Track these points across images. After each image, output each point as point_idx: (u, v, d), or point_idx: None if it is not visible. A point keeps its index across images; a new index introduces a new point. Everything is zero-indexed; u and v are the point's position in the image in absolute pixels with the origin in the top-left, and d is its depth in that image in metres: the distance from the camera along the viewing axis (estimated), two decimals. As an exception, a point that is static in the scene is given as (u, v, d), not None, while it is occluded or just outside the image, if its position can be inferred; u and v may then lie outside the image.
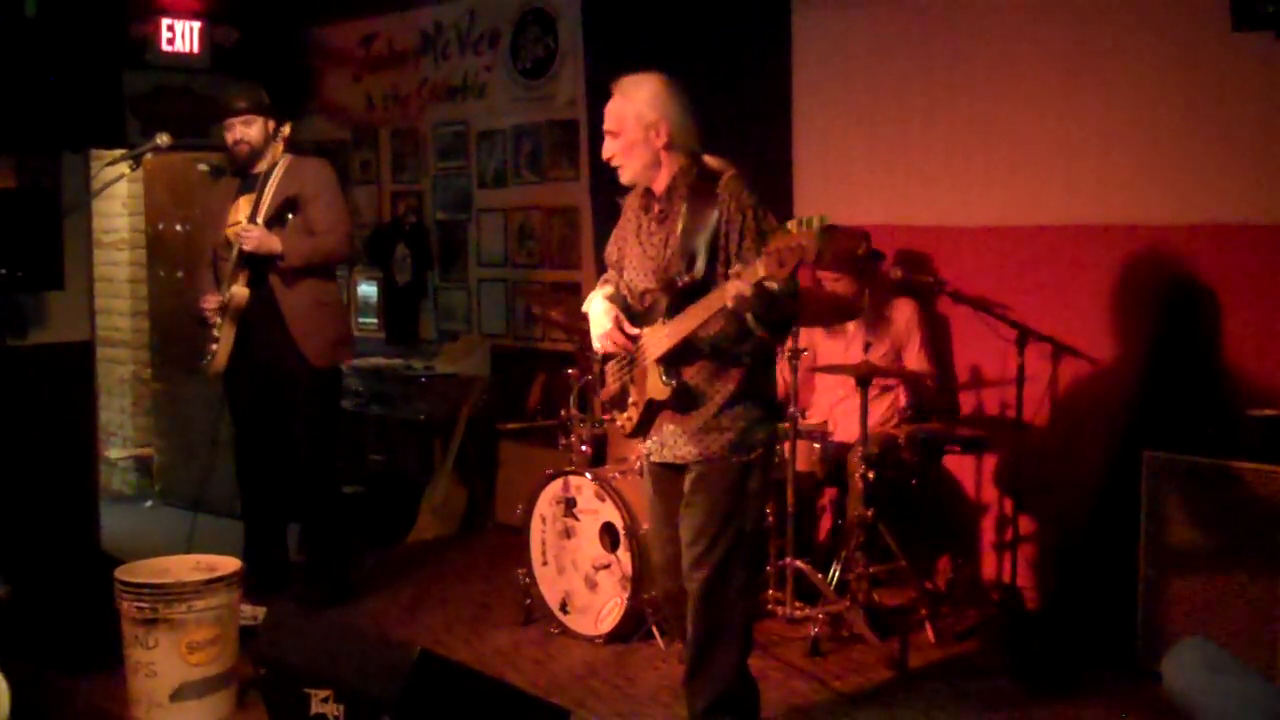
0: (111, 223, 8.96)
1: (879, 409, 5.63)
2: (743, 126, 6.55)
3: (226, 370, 5.67)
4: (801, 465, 5.28)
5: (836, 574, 5.39)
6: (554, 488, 5.50)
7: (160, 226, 8.51)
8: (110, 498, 8.43)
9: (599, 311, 4.04)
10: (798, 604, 5.26)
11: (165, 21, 7.92)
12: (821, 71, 6.25)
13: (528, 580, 5.57)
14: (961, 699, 4.72)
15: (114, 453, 9.00)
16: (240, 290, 5.56)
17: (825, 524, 6.04)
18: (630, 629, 5.30)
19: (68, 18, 7.07)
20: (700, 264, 3.79)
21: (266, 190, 5.59)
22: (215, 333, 5.63)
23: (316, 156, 6.11)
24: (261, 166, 5.68)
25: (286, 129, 5.73)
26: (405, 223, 8.48)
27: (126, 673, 4.58)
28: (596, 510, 5.35)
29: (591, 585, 5.37)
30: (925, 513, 5.72)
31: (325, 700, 3.57)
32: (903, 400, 5.75)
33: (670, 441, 3.99)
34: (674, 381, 3.86)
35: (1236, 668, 3.24)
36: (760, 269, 3.46)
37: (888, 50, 6.01)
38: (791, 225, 3.41)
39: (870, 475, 5.16)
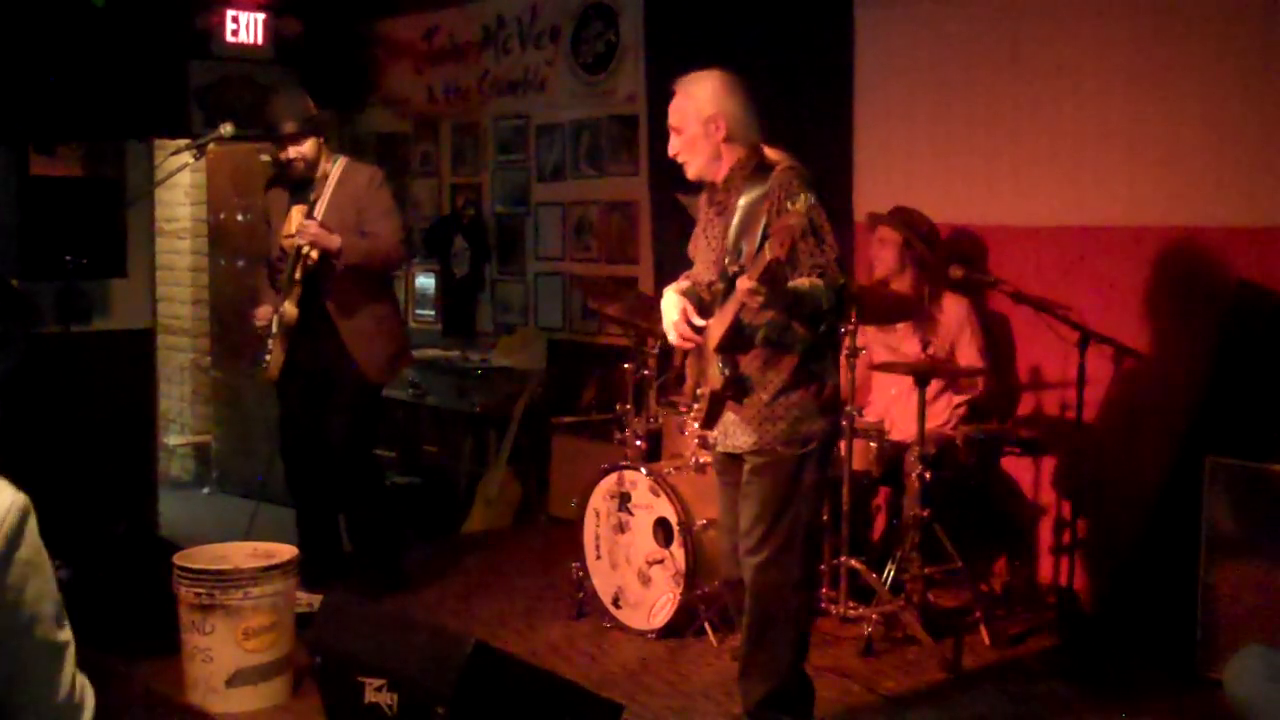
0: (174, 211, 9.06)
1: (934, 409, 5.59)
2: (804, 124, 6.52)
3: (290, 372, 5.71)
4: (857, 464, 5.25)
5: (891, 574, 5.36)
6: (609, 482, 5.50)
7: (222, 216, 8.60)
8: (168, 484, 8.52)
9: (669, 304, 4.06)
10: (851, 603, 5.24)
11: (230, 13, 8.00)
12: (883, 69, 6.22)
13: (581, 574, 5.58)
14: (1016, 702, 4.67)
15: (173, 439, 9.10)
16: (290, 309, 5.56)
17: (880, 523, 6.01)
18: (683, 624, 5.29)
19: (135, 9, 7.15)
20: (749, 253, 3.79)
21: (323, 195, 5.60)
22: (270, 343, 5.66)
23: (367, 162, 6.09)
24: (314, 172, 5.68)
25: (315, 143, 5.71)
26: (464, 215, 8.51)
27: (183, 658, 4.63)
28: (651, 505, 5.34)
29: (645, 580, 5.36)
30: (982, 514, 5.68)
31: (379, 689, 3.58)
32: (956, 399, 5.71)
33: (730, 431, 4.03)
34: (728, 371, 3.89)
35: (1301, 677, 3.19)
36: (766, 255, 3.51)
37: (950, 49, 5.96)
38: (789, 204, 3.53)
39: (927, 475, 5.13)
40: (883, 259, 5.73)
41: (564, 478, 7.36)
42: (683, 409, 4.85)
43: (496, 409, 7.60)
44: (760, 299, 3.62)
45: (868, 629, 5.12)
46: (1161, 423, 5.33)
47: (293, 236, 5.52)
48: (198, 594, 4.52)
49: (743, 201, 3.91)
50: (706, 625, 5.26)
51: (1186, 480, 4.84)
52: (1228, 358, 5.08)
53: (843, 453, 5.17)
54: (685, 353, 4.22)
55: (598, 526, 5.54)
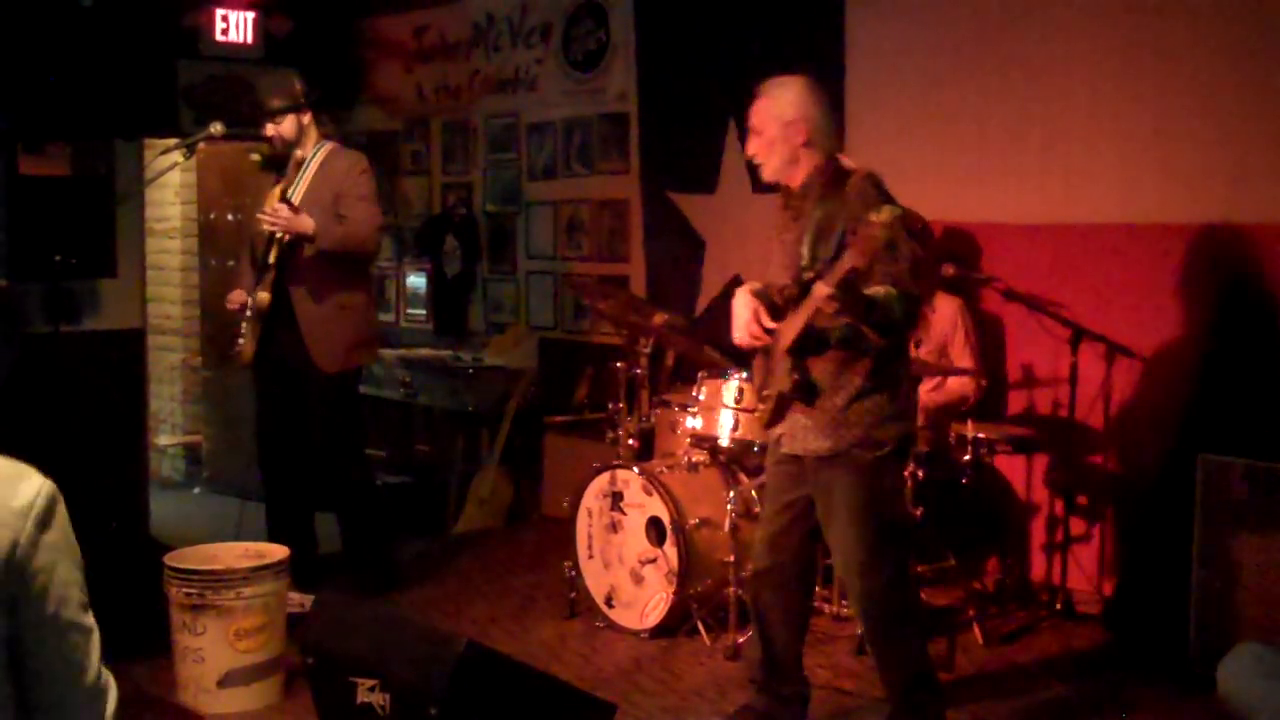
0: (164, 211, 9.02)
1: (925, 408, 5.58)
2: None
3: (255, 363, 5.68)
4: (850, 462, 5.24)
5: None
6: (601, 481, 5.49)
7: (212, 215, 8.57)
8: (159, 484, 8.50)
9: (740, 303, 4.09)
10: (844, 602, 5.23)
11: (219, 12, 7.96)
12: (874, 67, 6.21)
13: (573, 573, 5.57)
14: (1009, 701, 4.67)
15: (163, 439, 9.07)
16: (264, 295, 5.53)
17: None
18: (676, 623, 5.28)
19: (123, 7, 7.12)
20: (825, 259, 3.84)
21: (302, 176, 5.58)
22: (242, 327, 5.63)
23: (356, 149, 6.06)
24: (300, 155, 5.67)
25: (307, 118, 5.68)
26: (455, 214, 8.49)
27: (174, 658, 4.61)
28: (643, 504, 5.33)
29: (637, 579, 5.35)
30: (974, 512, 5.67)
31: (372, 690, 3.56)
32: (947, 398, 5.70)
33: (799, 434, 4.05)
34: (797, 375, 3.93)
35: (1294, 674, 3.19)
36: (846, 262, 3.57)
37: (941, 46, 5.96)
38: (871, 215, 3.51)
39: (920, 474, 5.12)
40: None
41: (556, 477, 7.35)
42: (750, 408, 4.81)
43: (488, 408, 7.59)
44: (836, 306, 3.68)
45: (861, 628, 5.10)
46: (1154, 420, 5.34)
47: (265, 215, 5.50)
48: (189, 594, 4.50)
49: (819, 208, 3.96)
50: (699, 624, 5.25)
51: (1179, 478, 4.84)
52: (1220, 355, 5.09)
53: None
54: (752, 350, 4.24)
55: (590, 526, 5.53)
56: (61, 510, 1.90)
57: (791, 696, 4.32)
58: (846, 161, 4.07)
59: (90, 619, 1.95)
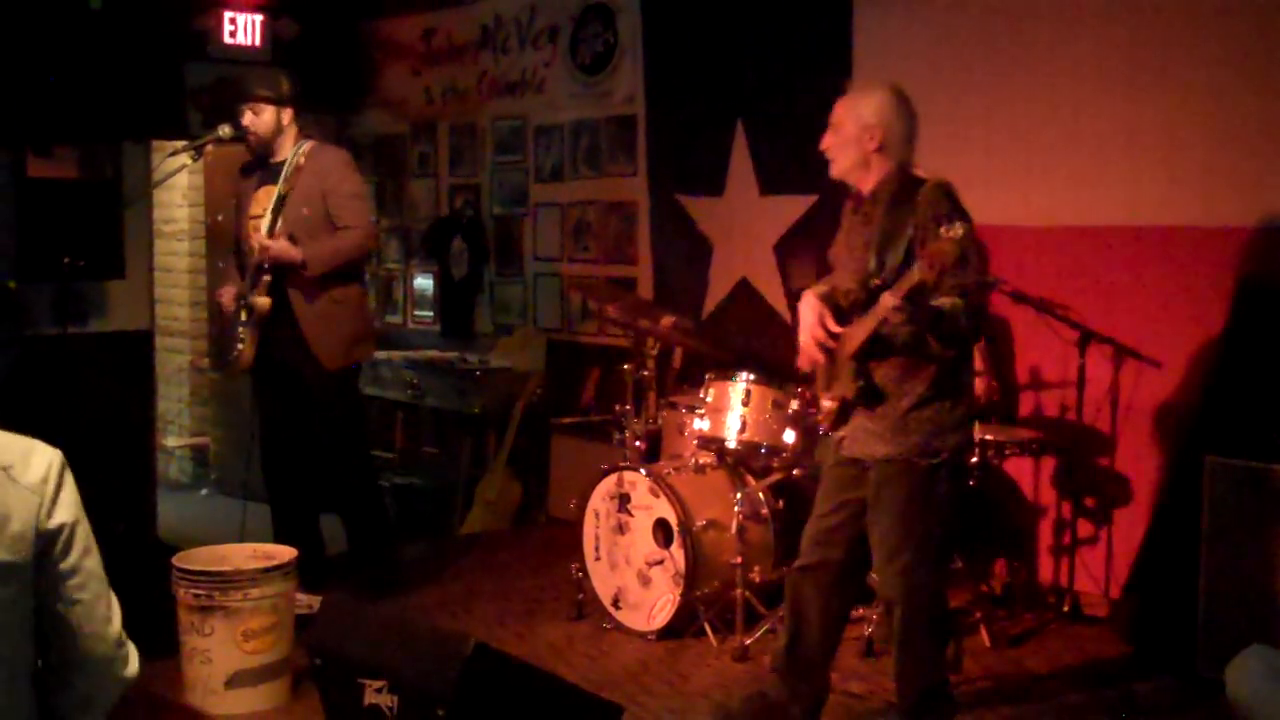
0: (171, 213, 9.05)
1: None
2: (802, 123, 6.50)
3: (255, 368, 5.67)
4: (857, 464, 5.24)
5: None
6: (608, 483, 5.49)
7: (220, 218, 8.59)
8: (167, 486, 8.51)
9: (807, 307, 4.14)
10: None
11: (227, 15, 7.98)
12: (882, 69, 6.19)
13: (580, 575, 5.57)
14: (1016, 704, 4.66)
15: (171, 441, 9.09)
16: (262, 300, 5.51)
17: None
18: (683, 625, 5.28)
19: (131, 10, 7.13)
20: (892, 267, 3.88)
21: (285, 176, 5.52)
22: (241, 332, 5.61)
23: (337, 146, 6.03)
24: (279, 156, 5.64)
25: (287, 117, 5.66)
26: (462, 216, 8.50)
27: (182, 659, 4.62)
28: (650, 506, 5.33)
29: (644, 581, 5.35)
30: (982, 515, 5.66)
31: (379, 691, 3.57)
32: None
33: (861, 438, 4.06)
34: (861, 380, 3.97)
35: (1303, 677, 3.18)
36: (915, 275, 3.61)
37: (948, 50, 5.95)
38: (943, 230, 3.57)
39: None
40: None
41: (563, 479, 7.35)
42: (813, 411, 4.81)
43: (495, 410, 7.59)
44: (903, 316, 3.71)
45: (868, 630, 5.11)
46: (1162, 423, 5.33)
47: (259, 217, 5.49)
48: (197, 595, 4.50)
49: (888, 215, 3.98)
50: (706, 626, 5.25)
51: (1187, 480, 4.83)
52: (1229, 358, 5.08)
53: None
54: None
55: (597, 527, 5.53)
56: (70, 474, 2.06)
57: (807, 694, 4.31)
58: (919, 171, 4.09)
59: (105, 578, 2.11)
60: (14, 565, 1.96)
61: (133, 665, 2.13)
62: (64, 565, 2.02)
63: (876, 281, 3.91)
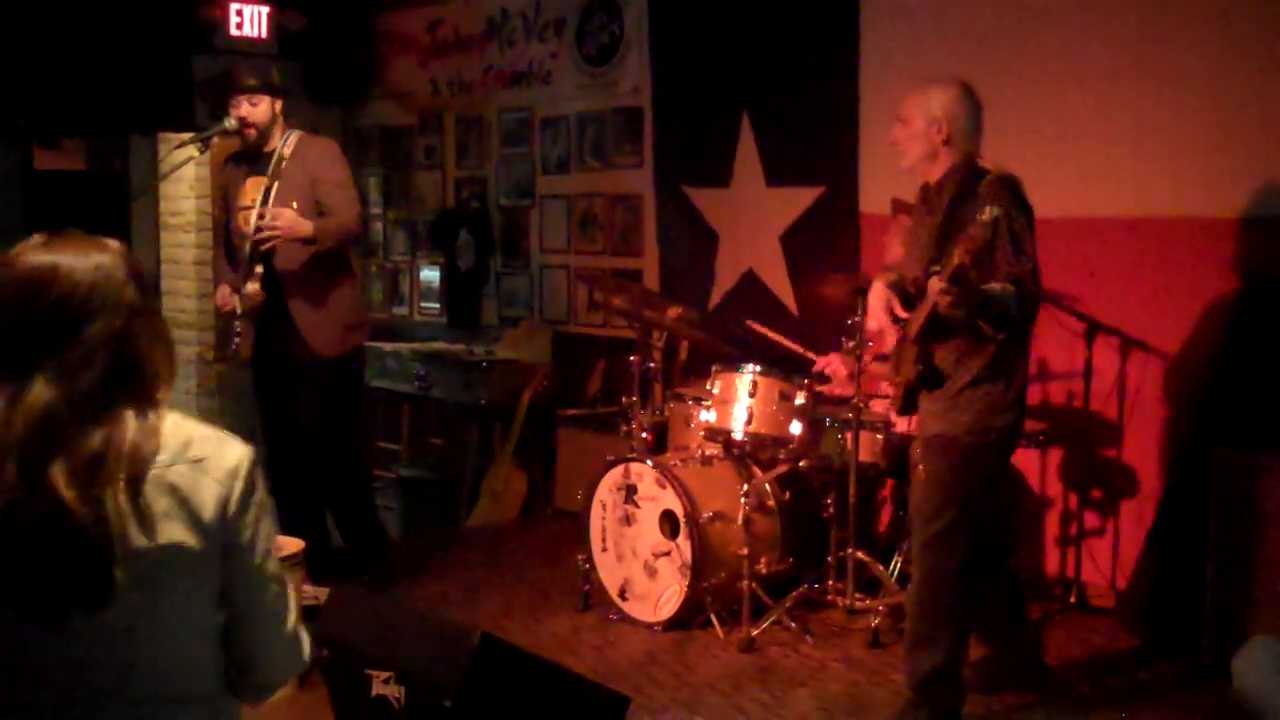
0: (178, 205, 9.04)
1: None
2: (809, 118, 6.53)
3: (253, 361, 5.67)
4: (864, 455, 5.24)
5: (898, 565, 5.35)
6: (615, 474, 5.50)
7: (216, 211, 8.59)
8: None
9: (875, 294, 4.29)
10: (858, 595, 5.24)
11: (234, 6, 8.00)
12: (889, 58, 6.21)
13: (587, 566, 5.57)
14: (1022, 694, 4.66)
15: (178, 433, 9.08)
16: (255, 290, 5.50)
17: (886, 515, 6.00)
18: (689, 616, 5.29)
19: (138, 3, 7.15)
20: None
21: (275, 167, 5.52)
22: (237, 325, 5.61)
23: (325, 137, 6.03)
24: (269, 145, 5.65)
25: (278, 106, 5.65)
26: (468, 208, 8.51)
27: (190, 651, 4.62)
28: (657, 497, 5.34)
29: (651, 572, 5.36)
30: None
31: (387, 682, 3.58)
32: None
33: (924, 419, 4.22)
34: (921, 364, 4.09)
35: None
36: (954, 259, 3.71)
37: (955, 43, 5.94)
38: (980, 214, 3.72)
39: (934, 467, 5.11)
40: (893, 248, 5.72)
41: (570, 470, 7.35)
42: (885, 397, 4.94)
43: (502, 402, 7.60)
44: (949, 299, 3.79)
45: (875, 620, 5.11)
46: (1169, 414, 5.32)
47: (249, 208, 5.49)
48: (204, 587, 4.50)
49: (952, 205, 4.11)
50: (713, 617, 5.25)
51: (1194, 471, 4.83)
52: (1235, 349, 5.07)
53: (849, 444, 5.17)
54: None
55: (604, 519, 5.54)
56: (260, 473, 2.09)
57: (1011, 641, 4.61)
58: (984, 162, 4.20)
59: (284, 575, 2.17)
60: (202, 553, 2.01)
61: (305, 654, 2.20)
62: (247, 561, 2.07)
63: (936, 268, 4.01)
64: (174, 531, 1.98)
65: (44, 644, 1.94)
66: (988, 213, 3.71)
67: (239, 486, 2.04)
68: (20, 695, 1.97)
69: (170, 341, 2.09)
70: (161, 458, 1.99)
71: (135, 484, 1.94)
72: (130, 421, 1.96)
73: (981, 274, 3.79)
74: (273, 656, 2.16)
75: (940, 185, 4.22)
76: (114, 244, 2.07)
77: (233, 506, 2.03)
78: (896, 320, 4.17)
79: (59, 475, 1.89)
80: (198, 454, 2.03)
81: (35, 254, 1.98)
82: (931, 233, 4.15)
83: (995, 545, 4.48)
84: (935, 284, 3.83)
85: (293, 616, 2.16)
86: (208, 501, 2.01)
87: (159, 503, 1.97)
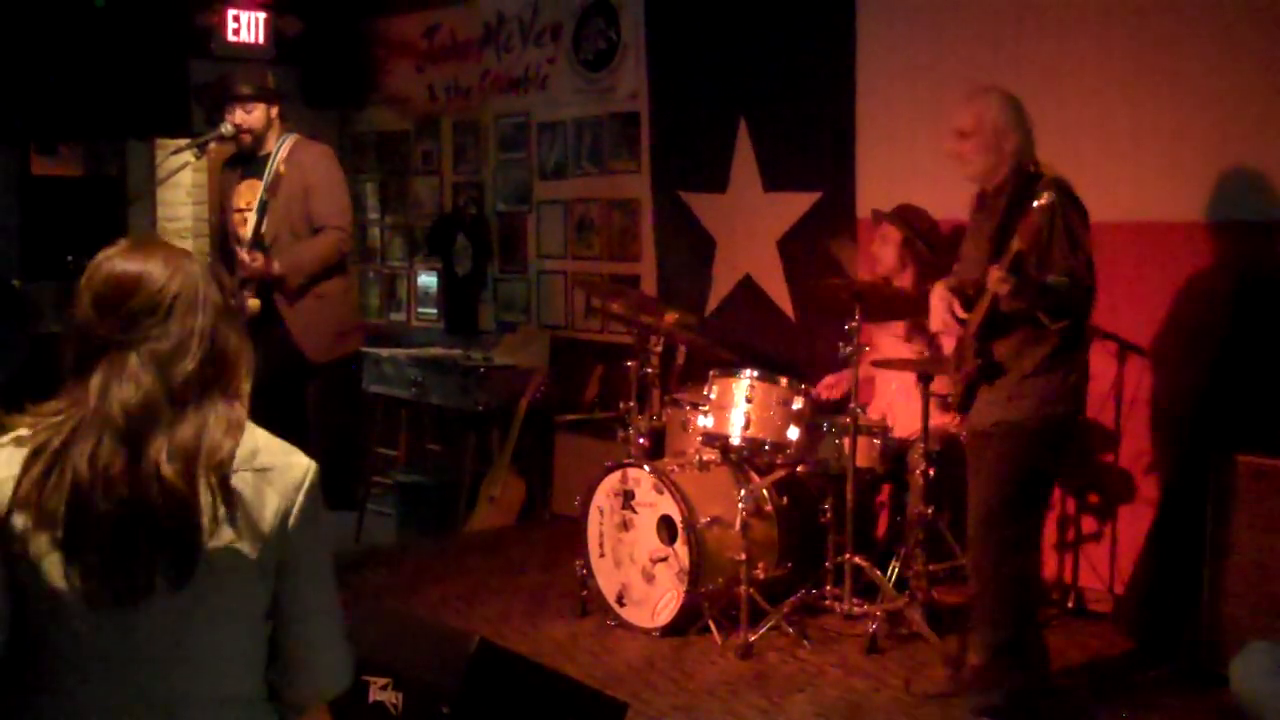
0: (175, 211, 9.03)
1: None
2: (805, 121, 6.53)
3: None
4: (861, 461, 5.25)
5: (895, 571, 5.36)
6: (612, 480, 5.50)
7: (208, 217, 8.59)
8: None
9: (937, 296, 4.50)
10: (856, 600, 5.23)
11: (231, 12, 7.99)
12: (886, 62, 6.21)
13: (585, 572, 5.57)
14: (1021, 699, 4.64)
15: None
16: (253, 302, 5.54)
17: (884, 520, 6.00)
18: (687, 622, 5.28)
19: (135, 8, 7.15)
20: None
21: (269, 171, 5.54)
22: None
23: (321, 142, 6.04)
24: (264, 149, 5.65)
25: (274, 111, 5.66)
26: (465, 214, 8.50)
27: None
28: (654, 503, 5.34)
29: (649, 578, 5.36)
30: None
31: (384, 688, 3.57)
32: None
33: (982, 409, 4.41)
34: (981, 358, 4.33)
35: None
36: (1012, 247, 3.95)
37: (952, 44, 5.95)
38: (1032, 202, 3.95)
39: (931, 472, 5.12)
40: (884, 257, 5.73)
41: (567, 476, 7.35)
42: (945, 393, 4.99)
43: (499, 407, 7.59)
44: (1008, 286, 4.03)
45: (872, 626, 5.11)
46: (1166, 419, 5.32)
47: (243, 211, 5.51)
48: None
49: (1009, 208, 4.27)
50: (710, 623, 5.25)
51: (1191, 476, 4.83)
52: (1232, 353, 5.07)
53: (847, 449, 5.17)
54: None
55: (601, 524, 5.54)
56: (320, 487, 2.12)
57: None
58: (1039, 167, 4.36)
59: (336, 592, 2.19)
60: (256, 562, 2.03)
61: (350, 670, 2.24)
62: (301, 574, 2.09)
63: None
64: (229, 535, 2.01)
65: (102, 631, 1.97)
66: (1044, 198, 3.92)
67: (301, 500, 2.07)
68: (65, 681, 2.00)
69: (250, 344, 2.14)
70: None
71: (223, 475, 2.00)
72: (220, 412, 2.04)
73: (1039, 266, 4.01)
74: (318, 668, 2.18)
75: (998, 190, 4.39)
76: (192, 252, 2.17)
77: (294, 520, 2.06)
78: (959, 321, 4.38)
79: (161, 453, 1.96)
80: (264, 463, 2.06)
81: (125, 258, 2.07)
82: (990, 236, 4.33)
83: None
84: (995, 272, 4.03)
85: (340, 631, 2.19)
86: (269, 513, 2.04)
87: (223, 505, 2.01)
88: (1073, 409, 4.38)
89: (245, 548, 2.01)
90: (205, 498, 1.98)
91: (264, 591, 2.07)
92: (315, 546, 2.11)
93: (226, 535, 2.00)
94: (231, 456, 2.02)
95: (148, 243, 2.10)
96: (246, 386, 2.13)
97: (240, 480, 2.02)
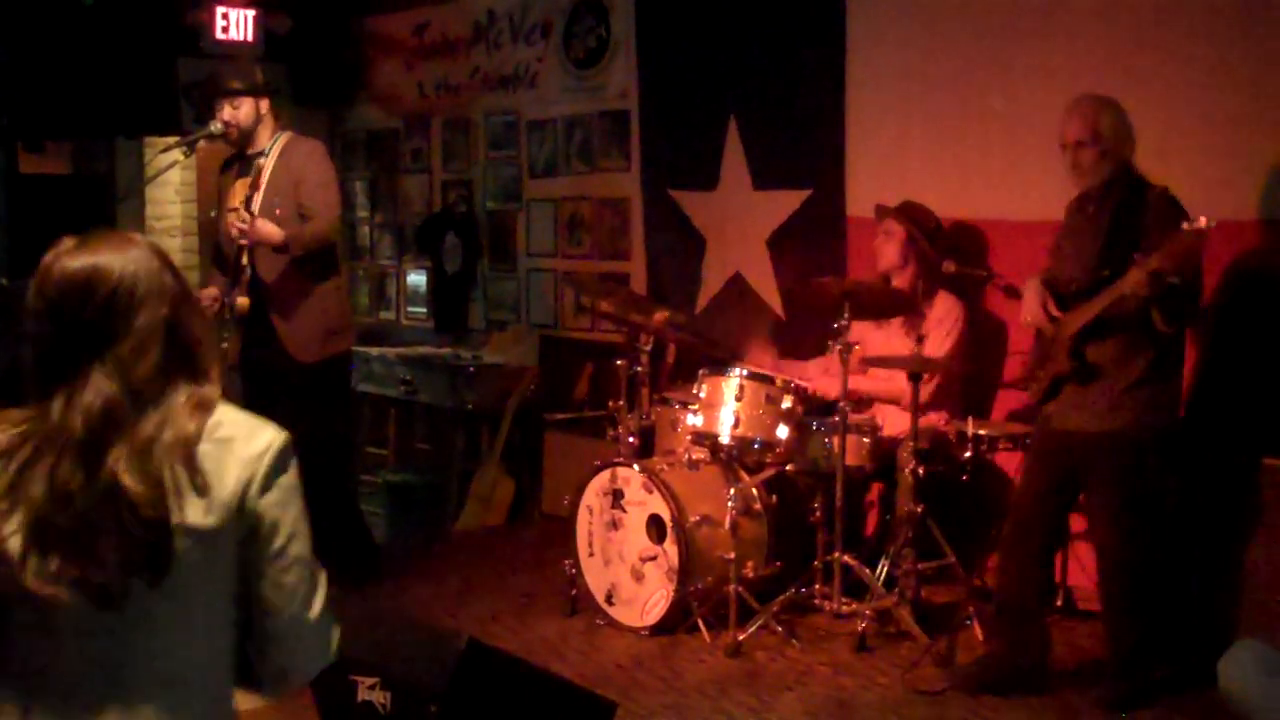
0: (164, 209, 9.01)
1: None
2: (795, 117, 6.52)
3: (239, 365, 5.67)
4: (850, 459, 5.25)
5: (884, 569, 5.35)
6: (601, 479, 5.49)
7: (213, 214, 8.52)
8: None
9: (1031, 291, 4.64)
10: (845, 599, 5.23)
11: (220, 10, 7.96)
12: (875, 62, 6.21)
13: (574, 571, 5.56)
14: (1010, 698, 4.66)
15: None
16: (243, 300, 5.51)
17: (873, 519, 6.00)
18: (676, 621, 5.28)
19: (124, 6, 7.13)
20: (1120, 260, 4.29)
21: (263, 169, 5.55)
22: (224, 331, 5.61)
23: (312, 139, 6.02)
24: (256, 147, 5.64)
25: (264, 106, 5.64)
26: (455, 212, 8.49)
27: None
28: (644, 502, 5.33)
29: (638, 577, 5.35)
30: (975, 509, 5.66)
31: (372, 688, 3.56)
32: (875, 387, 5.73)
33: (1073, 413, 4.52)
34: (1077, 361, 4.43)
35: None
36: (1154, 261, 4.05)
37: (943, 42, 5.96)
38: (1185, 226, 4.01)
39: (920, 471, 5.12)
40: (886, 253, 5.72)
41: (557, 475, 7.35)
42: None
43: (489, 406, 7.59)
44: (1146, 290, 4.11)
45: (861, 625, 5.11)
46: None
47: (235, 212, 5.49)
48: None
49: (1119, 213, 4.44)
50: (700, 622, 5.25)
51: (1183, 476, 4.83)
52: (1219, 351, 5.07)
53: (836, 448, 5.17)
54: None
55: (590, 523, 5.53)
56: (293, 460, 2.08)
57: (1028, 639, 4.69)
58: (1139, 172, 4.52)
59: (316, 562, 2.14)
60: (217, 532, 2.00)
61: (331, 646, 2.18)
62: (270, 547, 2.05)
63: (1105, 272, 4.34)
64: (192, 509, 1.98)
65: (78, 627, 1.95)
66: (1204, 222, 3.96)
67: (263, 468, 2.04)
68: (39, 662, 1.98)
69: (208, 318, 2.12)
70: None
71: (187, 453, 1.98)
72: (183, 396, 2.01)
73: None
74: (291, 643, 2.12)
75: (1103, 193, 4.52)
76: (140, 237, 2.11)
77: (255, 488, 2.03)
78: (1051, 318, 4.52)
79: (118, 460, 1.93)
80: (226, 434, 2.03)
81: (73, 257, 2.02)
82: (1096, 238, 4.46)
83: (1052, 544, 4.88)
84: (1137, 274, 4.11)
85: (318, 605, 2.13)
86: (228, 481, 2.01)
87: (186, 479, 1.98)
88: (1173, 417, 4.54)
89: (208, 519, 1.99)
90: (169, 482, 1.95)
91: (231, 563, 2.04)
92: (284, 515, 2.07)
93: (189, 509, 1.97)
94: (198, 436, 1.99)
95: (94, 237, 2.05)
96: (215, 368, 2.10)
97: (201, 452, 1.99)
